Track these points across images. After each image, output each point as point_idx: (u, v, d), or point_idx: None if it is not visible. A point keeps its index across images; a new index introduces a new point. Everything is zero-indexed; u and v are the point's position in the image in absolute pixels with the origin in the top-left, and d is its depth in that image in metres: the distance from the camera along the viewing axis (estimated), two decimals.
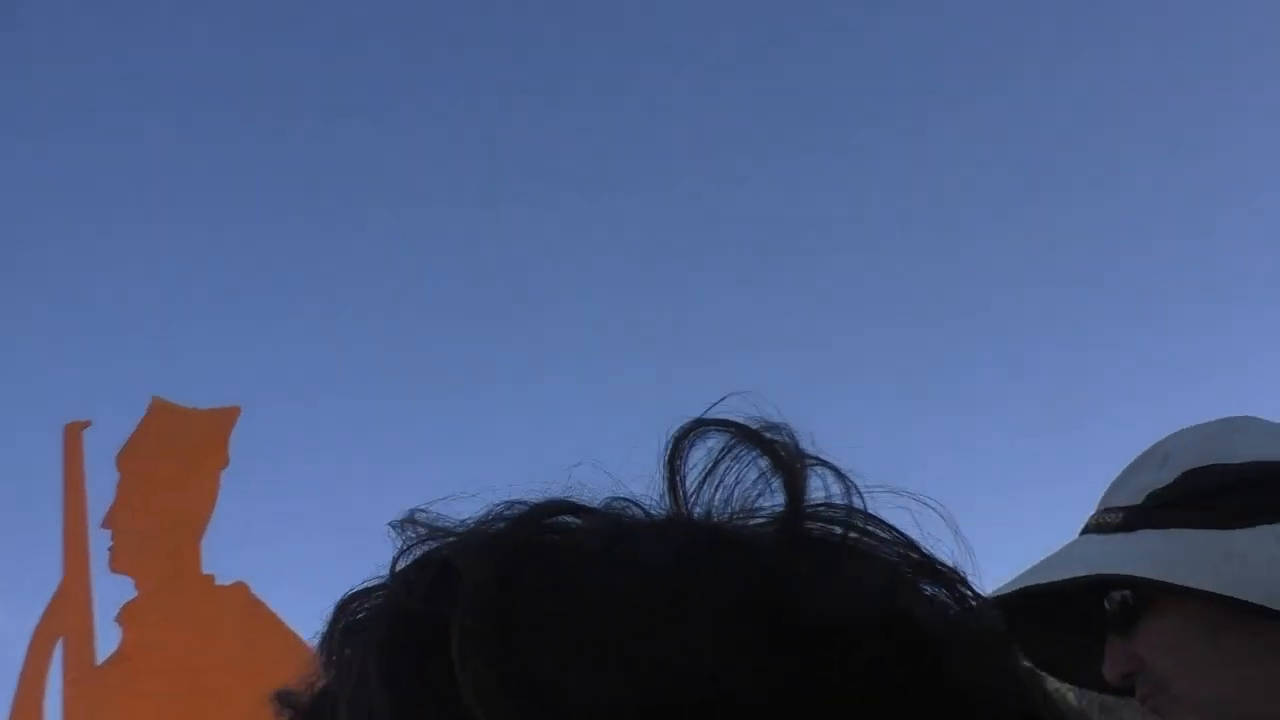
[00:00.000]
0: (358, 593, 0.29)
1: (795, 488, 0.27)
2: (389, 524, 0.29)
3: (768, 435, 0.28)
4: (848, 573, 0.26)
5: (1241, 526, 0.72)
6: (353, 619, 0.28)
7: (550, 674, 0.23)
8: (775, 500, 0.27)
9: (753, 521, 0.28)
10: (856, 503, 0.28)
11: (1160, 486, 0.77)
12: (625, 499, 0.29)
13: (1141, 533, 0.76)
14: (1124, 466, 0.82)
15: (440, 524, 0.28)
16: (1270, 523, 0.72)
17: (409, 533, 0.28)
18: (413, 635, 0.25)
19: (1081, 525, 0.82)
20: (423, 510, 0.29)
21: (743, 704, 0.23)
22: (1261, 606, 0.68)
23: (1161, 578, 0.70)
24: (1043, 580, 0.75)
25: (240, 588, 4.53)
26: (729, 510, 0.28)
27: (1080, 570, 0.74)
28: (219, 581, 4.54)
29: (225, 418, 4.88)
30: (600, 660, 0.23)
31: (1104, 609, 0.79)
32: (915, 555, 0.28)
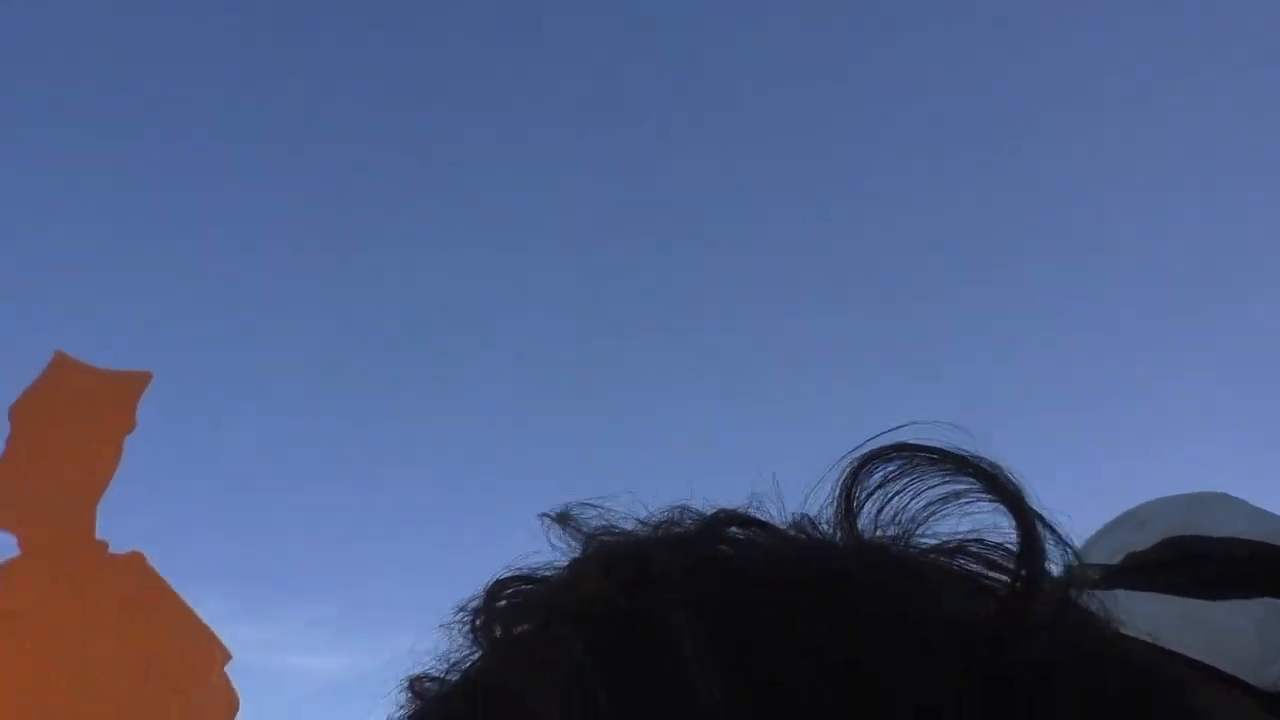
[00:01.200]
0: (511, 578, 0.27)
1: (1033, 541, 0.25)
2: (542, 514, 0.30)
3: (990, 472, 0.26)
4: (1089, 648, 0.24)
5: (1214, 598, 0.76)
6: (517, 603, 0.26)
7: (794, 692, 0.22)
8: (936, 529, 0.26)
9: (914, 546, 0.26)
10: (1076, 575, 0.26)
11: (1139, 549, 0.81)
12: (807, 516, 0.27)
13: (1116, 591, 0.79)
14: (1098, 528, 0.87)
15: (613, 521, 0.29)
16: (1242, 598, 0.77)
17: (573, 526, 0.29)
18: (624, 629, 0.23)
19: None
20: (582, 505, 0.28)
21: None
22: (1229, 675, 0.72)
23: (1139, 635, 0.74)
24: None
25: (136, 557, 4.38)
26: (893, 533, 0.26)
27: None
28: (113, 550, 4.39)
29: (136, 381, 4.72)
30: (851, 688, 0.22)
31: None
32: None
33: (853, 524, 0.27)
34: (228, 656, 4.31)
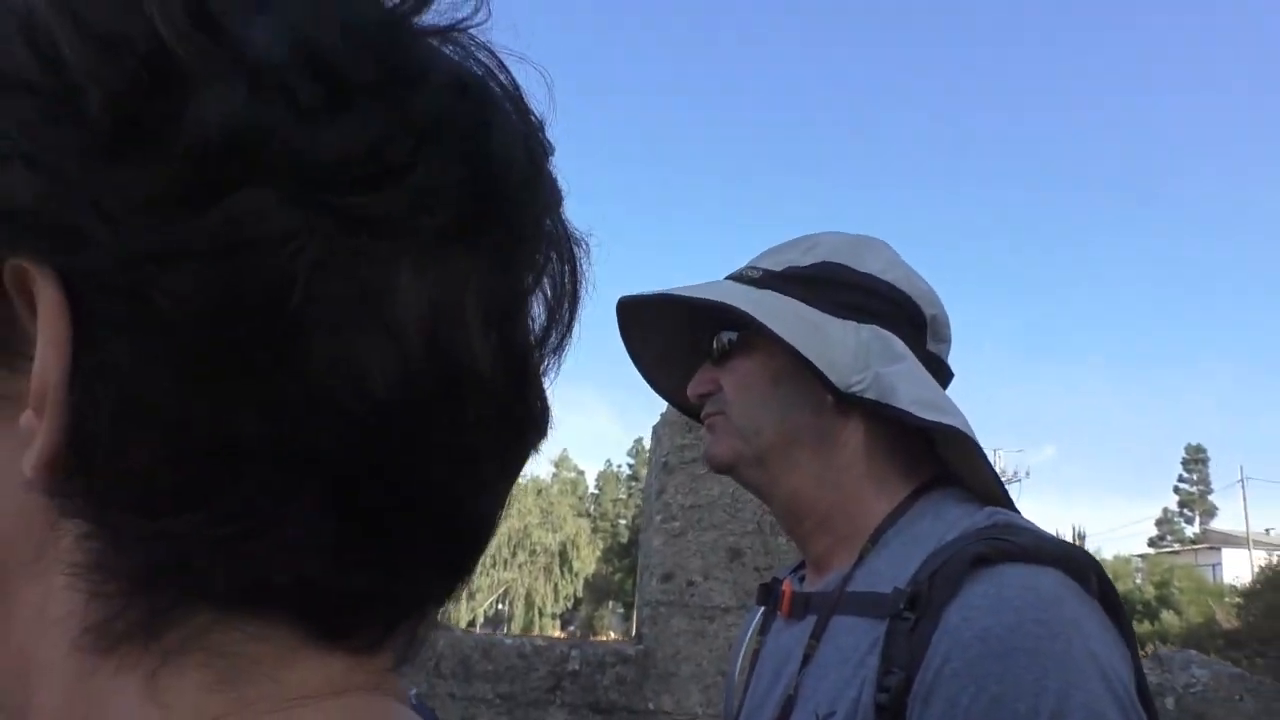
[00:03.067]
0: None
1: None
2: None
3: None
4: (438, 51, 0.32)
5: (837, 315, 0.92)
6: None
7: (229, 20, 0.28)
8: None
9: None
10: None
11: (798, 265, 0.96)
12: None
13: (767, 291, 0.93)
14: (781, 242, 0.99)
15: None
16: (857, 321, 0.92)
17: None
18: None
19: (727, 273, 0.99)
20: None
21: (360, 82, 0.29)
22: (818, 371, 0.88)
23: (765, 322, 0.88)
24: (683, 294, 0.92)
25: None
26: None
27: (713, 296, 0.90)
28: None
29: None
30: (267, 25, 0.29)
31: (710, 345, 0.98)
32: (508, 81, 0.33)
33: None
34: None
